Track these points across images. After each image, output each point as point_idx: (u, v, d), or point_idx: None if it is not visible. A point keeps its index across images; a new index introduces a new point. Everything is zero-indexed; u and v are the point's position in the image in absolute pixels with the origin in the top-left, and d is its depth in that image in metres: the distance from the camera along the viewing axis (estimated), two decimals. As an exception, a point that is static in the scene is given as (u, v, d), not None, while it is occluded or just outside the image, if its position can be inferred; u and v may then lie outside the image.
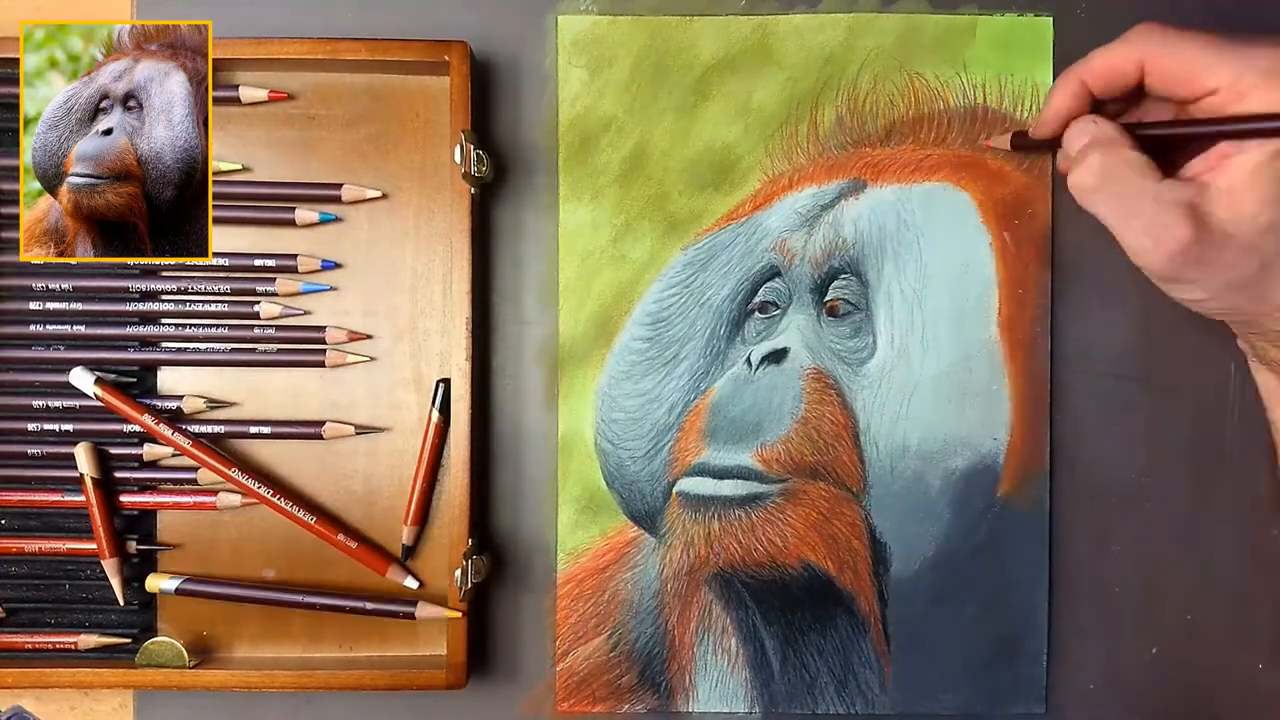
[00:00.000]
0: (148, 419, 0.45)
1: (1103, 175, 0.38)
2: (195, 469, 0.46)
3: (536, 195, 0.47)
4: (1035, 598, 0.47)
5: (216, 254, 0.45)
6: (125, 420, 0.46)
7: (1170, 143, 0.39)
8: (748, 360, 0.47)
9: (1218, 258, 0.37)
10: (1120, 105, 0.41)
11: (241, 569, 0.47)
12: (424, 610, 0.45)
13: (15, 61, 0.44)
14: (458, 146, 0.43)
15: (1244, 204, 0.36)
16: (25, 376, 0.46)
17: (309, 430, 0.46)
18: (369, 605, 0.45)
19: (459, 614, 0.44)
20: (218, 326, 0.46)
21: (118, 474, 0.46)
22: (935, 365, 0.47)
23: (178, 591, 0.46)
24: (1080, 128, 0.40)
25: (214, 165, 0.45)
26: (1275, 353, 0.41)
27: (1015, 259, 0.47)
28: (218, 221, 0.45)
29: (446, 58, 0.44)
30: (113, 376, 0.46)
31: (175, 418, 0.46)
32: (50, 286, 0.46)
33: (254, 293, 0.46)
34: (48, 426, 0.46)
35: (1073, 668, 0.48)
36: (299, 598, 0.45)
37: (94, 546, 0.46)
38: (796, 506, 0.47)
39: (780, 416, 0.47)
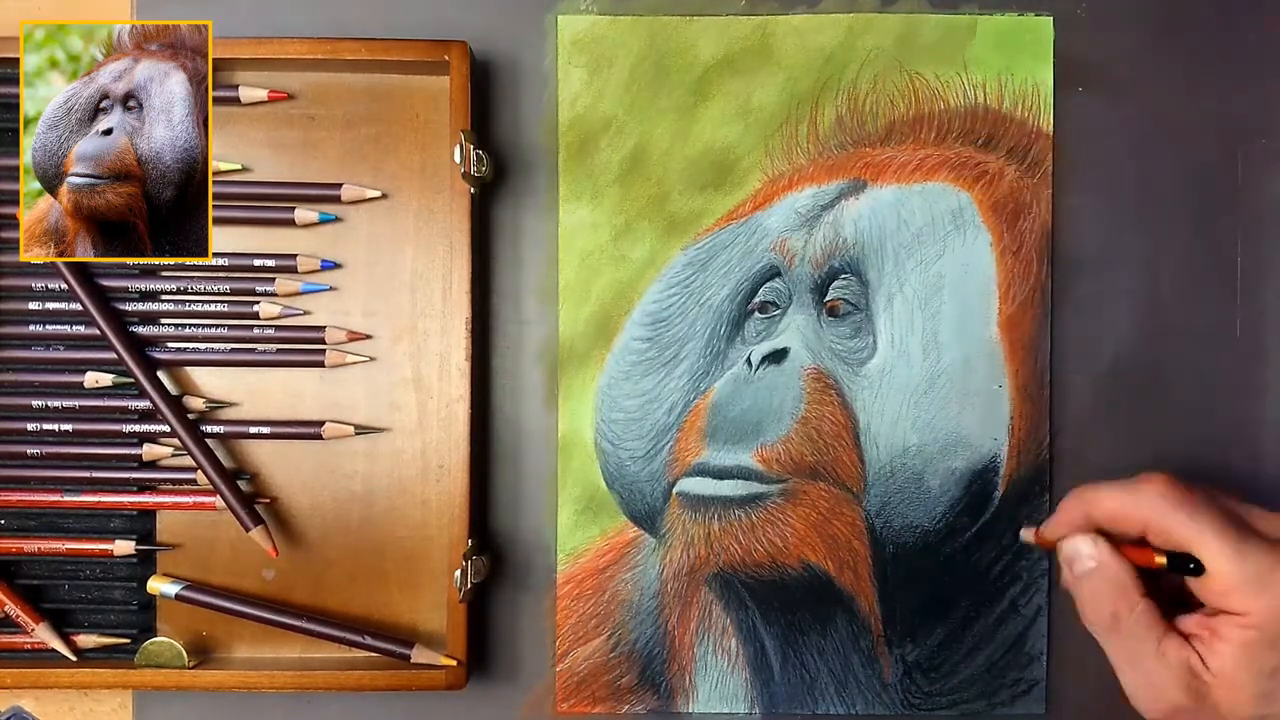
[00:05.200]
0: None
1: (1114, 621, 0.38)
2: (194, 469, 0.46)
3: (536, 195, 0.47)
4: (1035, 598, 0.47)
5: (216, 254, 0.45)
6: (124, 421, 0.46)
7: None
8: (748, 360, 0.47)
9: None
10: None
11: (241, 570, 0.47)
12: (420, 654, 0.45)
13: (15, 61, 0.44)
14: (457, 146, 0.43)
15: (1237, 695, 0.37)
16: (25, 376, 0.46)
17: (309, 430, 0.46)
18: (367, 639, 0.45)
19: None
20: (217, 326, 0.46)
21: (117, 474, 0.46)
22: (935, 365, 0.47)
23: (177, 598, 0.45)
24: (1081, 549, 0.39)
25: (214, 165, 0.45)
26: None
27: (1015, 259, 0.47)
28: (218, 221, 0.45)
29: (446, 58, 0.44)
30: (112, 377, 0.46)
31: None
32: (50, 286, 0.46)
33: (253, 293, 0.46)
34: (47, 426, 0.46)
35: (1073, 668, 0.48)
36: (299, 623, 0.45)
37: (93, 547, 0.46)
38: (796, 506, 0.47)
39: (780, 416, 0.47)
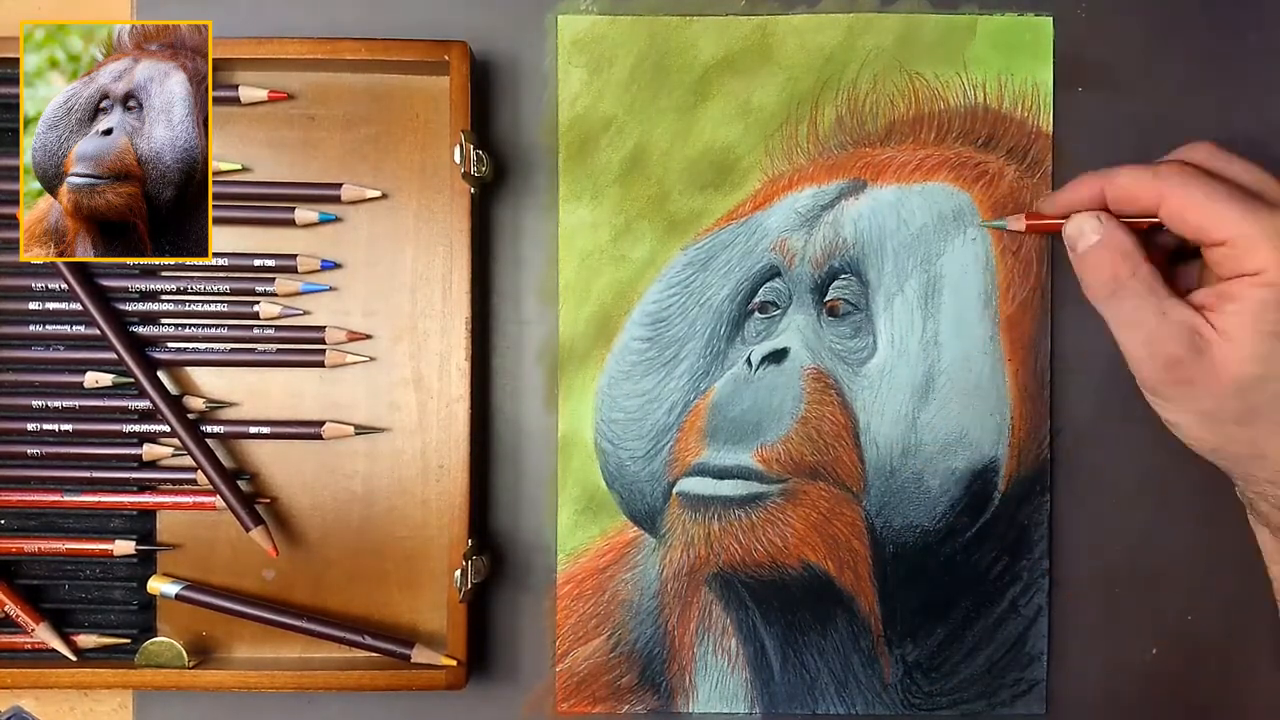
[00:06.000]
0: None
1: (1115, 284, 0.39)
2: (194, 469, 0.46)
3: (536, 195, 0.47)
4: (1035, 598, 0.47)
5: (216, 254, 0.45)
6: (124, 421, 0.46)
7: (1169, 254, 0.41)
8: (748, 360, 0.47)
9: (1205, 385, 0.38)
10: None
11: (241, 570, 0.47)
12: (420, 654, 0.45)
13: (15, 61, 0.44)
14: (457, 146, 0.43)
15: (1238, 352, 0.37)
16: (25, 376, 0.46)
17: (309, 430, 0.46)
18: (367, 639, 0.45)
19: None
20: (217, 326, 0.46)
21: (117, 474, 0.46)
22: (935, 365, 0.47)
23: (177, 598, 0.45)
24: (1087, 223, 0.40)
25: (214, 165, 0.45)
26: (1273, 514, 0.41)
27: (1015, 259, 0.47)
28: (218, 221, 0.45)
29: (446, 58, 0.44)
30: (112, 377, 0.46)
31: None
32: (50, 286, 0.46)
33: (253, 293, 0.46)
34: (47, 426, 0.46)
35: (1073, 668, 0.48)
36: (299, 623, 0.45)
37: (93, 547, 0.46)
38: (796, 506, 0.47)
39: (780, 416, 0.47)
